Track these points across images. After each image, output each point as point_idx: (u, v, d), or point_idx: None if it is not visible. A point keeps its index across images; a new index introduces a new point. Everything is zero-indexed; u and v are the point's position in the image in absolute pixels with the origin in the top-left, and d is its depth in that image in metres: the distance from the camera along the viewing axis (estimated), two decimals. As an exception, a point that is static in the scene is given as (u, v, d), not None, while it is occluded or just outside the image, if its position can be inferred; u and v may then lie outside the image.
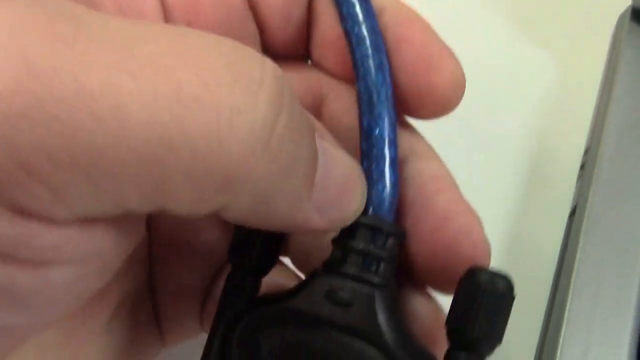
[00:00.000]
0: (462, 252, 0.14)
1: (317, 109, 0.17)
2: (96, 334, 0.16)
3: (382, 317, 0.13)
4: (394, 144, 0.15)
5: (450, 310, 0.14)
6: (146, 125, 0.10)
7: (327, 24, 0.17)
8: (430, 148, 0.17)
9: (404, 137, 0.16)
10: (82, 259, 0.11)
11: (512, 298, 0.13)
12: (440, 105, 0.16)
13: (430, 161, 0.16)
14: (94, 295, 0.14)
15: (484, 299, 0.13)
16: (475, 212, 0.15)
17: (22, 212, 0.10)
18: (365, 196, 0.14)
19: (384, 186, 0.15)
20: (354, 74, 0.16)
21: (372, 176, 0.15)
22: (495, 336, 0.13)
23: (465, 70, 0.16)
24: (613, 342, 0.19)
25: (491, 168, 0.26)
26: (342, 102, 0.17)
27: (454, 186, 0.16)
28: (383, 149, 0.15)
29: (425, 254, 0.15)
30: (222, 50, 0.11)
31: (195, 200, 0.11)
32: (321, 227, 0.13)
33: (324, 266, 0.14)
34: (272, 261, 0.15)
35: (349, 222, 0.14)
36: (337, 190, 0.13)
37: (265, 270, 0.15)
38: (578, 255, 0.20)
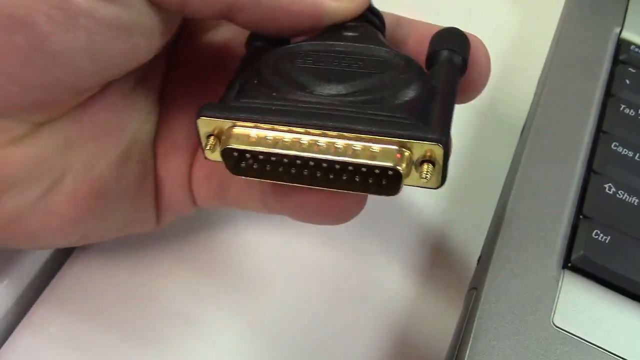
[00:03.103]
0: None
1: None
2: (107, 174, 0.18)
3: (379, 36, 0.18)
4: None
5: (427, 51, 0.18)
6: None
7: None
8: None
9: None
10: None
11: (468, 41, 0.18)
12: None
13: None
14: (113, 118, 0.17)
15: (446, 32, 0.18)
16: None
17: None
18: None
19: None
20: None
21: None
22: (463, 54, 0.18)
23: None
24: (550, 228, 0.22)
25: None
26: None
27: None
28: None
29: None
30: None
31: None
32: (338, 7, 0.17)
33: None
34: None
35: (362, 5, 0.18)
36: None
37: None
38: (523, 159, 0.23)
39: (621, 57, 0.28)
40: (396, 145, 0.14)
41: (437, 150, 0.15)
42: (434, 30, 0.19)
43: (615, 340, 0.19)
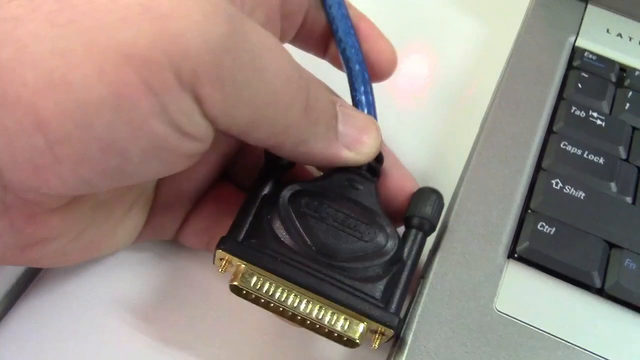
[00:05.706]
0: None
1: None
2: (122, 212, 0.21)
3: (375, 197, 0.21)
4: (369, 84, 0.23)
5: (407, 209, 0.22)
6: None
7: None
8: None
9: None
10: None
11: (443, 204, 0.22)
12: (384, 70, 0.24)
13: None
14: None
15: (426, 195, 0.22)
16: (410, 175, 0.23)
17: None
18: (381, 136, 0.21)
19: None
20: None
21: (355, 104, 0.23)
22: (433, 221, 0.22)
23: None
24: (497, 222, 0.23)
25: (426, 100, 0.31)
26: None
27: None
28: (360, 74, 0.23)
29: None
30: None
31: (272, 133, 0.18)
32: (352, 159, 0.20)
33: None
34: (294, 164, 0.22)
35: (371, 156, 0.21)
36: (357, 134, 0.20)
37: (290, 167, 0.22)
38: (474, 158, 0.25)
39: (575, 63, 0.30)
40: (361, 321, 0.19)
41: (389, 332, 0.19)
42: (413, 186, 0.23)
43: (555, 322, 0.21)
